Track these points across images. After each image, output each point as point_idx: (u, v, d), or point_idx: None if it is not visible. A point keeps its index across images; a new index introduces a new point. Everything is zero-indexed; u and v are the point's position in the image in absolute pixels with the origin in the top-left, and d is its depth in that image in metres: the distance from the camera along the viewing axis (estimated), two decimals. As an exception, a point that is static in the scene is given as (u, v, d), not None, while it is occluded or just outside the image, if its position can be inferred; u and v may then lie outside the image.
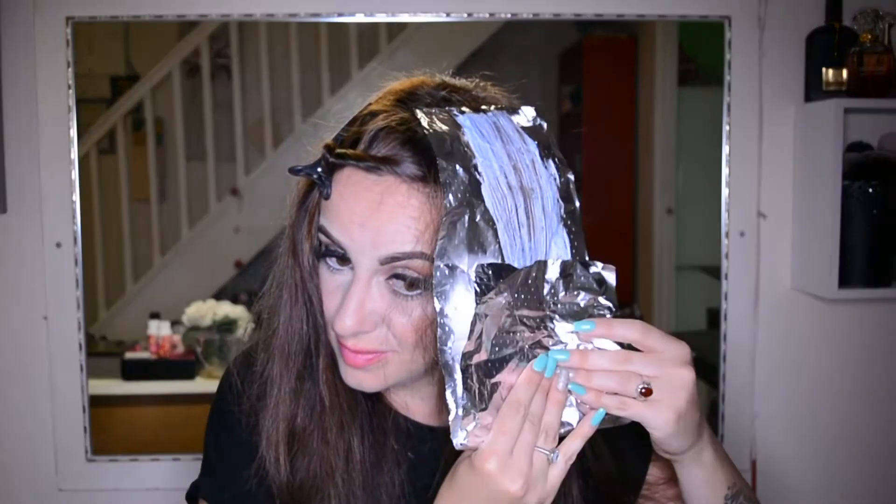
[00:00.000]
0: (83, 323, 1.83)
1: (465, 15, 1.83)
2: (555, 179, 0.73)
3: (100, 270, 2.45)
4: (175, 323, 2.24)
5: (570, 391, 0.71)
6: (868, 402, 1.97)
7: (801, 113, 1.88)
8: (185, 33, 2.59)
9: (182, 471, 1.86)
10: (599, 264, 0.72)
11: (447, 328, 0.66)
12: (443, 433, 0.78)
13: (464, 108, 0.74)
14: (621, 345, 0.72)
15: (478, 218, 0.67)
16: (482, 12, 1.83)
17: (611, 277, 0.72)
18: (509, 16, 1.84)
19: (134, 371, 2.18)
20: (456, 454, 0.72)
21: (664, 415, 0.71)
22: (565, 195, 0.73)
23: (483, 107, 0.75)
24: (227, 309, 2.24)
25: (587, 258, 0.73)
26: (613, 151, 2.47)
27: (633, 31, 2.42)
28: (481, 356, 0.68)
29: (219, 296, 2.40)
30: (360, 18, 1.85)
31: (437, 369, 0.74)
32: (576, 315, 0.71)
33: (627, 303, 2.31)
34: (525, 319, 0.69)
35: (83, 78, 1.89)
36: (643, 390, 0.70)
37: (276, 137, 2.67)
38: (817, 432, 1.97)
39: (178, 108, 2.62)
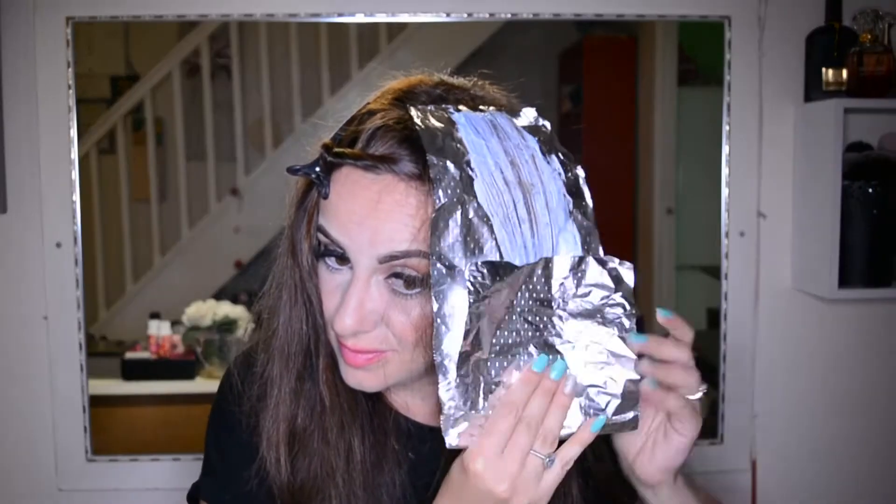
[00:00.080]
0: (83, 323, 1.83)
1: (465, 15, 1.83)
2: (560, 175, 0.72)
3: (100, 270, 2.45)
4: (175, 323, 2.24)
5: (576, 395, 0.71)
6: (868, 402, 1.97)
7: (801, 113, 1.88)
8: (185, 33, 2.59)
9: (182, 471, 1.86)
10: (616, 260, 0.70)
11: (443, 328, 0.66)
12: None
13: (460, 107, 0.74)
14: (632, 348, 0.72)
15: (471, 214, 0.67)
16: (482, 12, 1.83)
17: (628, 275, 0.70)
18: (509, 16, 1.84)
19: (134, 371, 2.18)
20: (456, 454, 0.72)
21: (698, 421, 0.75)
22: (574, 190, 0.72)
23: (482, 107, 0.75)
24: (227, 309, 2.24)
25: (602, 254, 0.72)
26: (613, 151, 2.47)
27: (633, 31, 2.42)
28: (477, 355, 0.67)
29: (219, 296, 2.40)
30: (360, 18, 1.85)
31: None
32: (586, 313, 0.70)
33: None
34: (528, 317, 0.69)
35: (83, 78, 1.89)
36: (705, 390, 0.73)
37: (276, 137, 2.67)
38: (817, 432, 1.97)
39: (178, 108, 2.61)
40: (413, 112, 0.71)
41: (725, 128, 1.88)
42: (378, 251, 0.72)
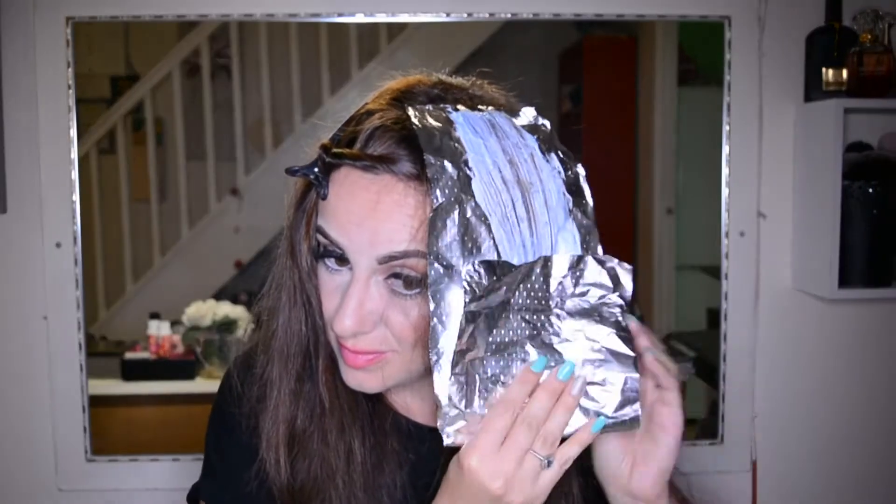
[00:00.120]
0: (83, 323, 1.83)
1: (465, 15, 1.83)
2: (559, 173, 0.72)
3: (100, 270, 2.45)
4: (175, 323, 2.24)
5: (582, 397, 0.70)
6: (868, 402, 1.97)
7: (801, 113, 1.88)
8: (185, 33, 2.59)
9: (182, 471, 1.86)
10: (615, 260, 0.70)
11: (439, 327, 0.66)
12: (443, 433, 0.78)
13: (459, 106, 0.74)
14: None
15: (469, 213, 0.66)
16: (482, 12, 1.83)
17: (626, 275, 0.70)
18: (509, 16, 1.84)
19: (134, 371, 2.17)
20: (455, 454, 0.72)
21: (680, 412, 0.75)
22: (574, 189, 0.72)
23: (480, 107, 0.75)
24: (226, 309, 2.23)
25: (601, 253, 0.72)
26: (613, 151, 2.47)
27: (633, 31, 2.42)
28: (473, 354, 0.67)
29: (219, 296, 2.40)
30: (360, 18, 1.85)
31: None
32: (584, 312, 0.70)
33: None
34: (526, 316, 0.69)
35: (83, 78, 1.88)
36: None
37: (276, 137, 2.67)
38: (817, 432, 1.97)
39: (178, 108, 2.61)
40: (411, 112, 0.71)
41: (725, 128, 1.88)
42: (377, 252, 0.72)
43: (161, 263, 2.64)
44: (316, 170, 0.75)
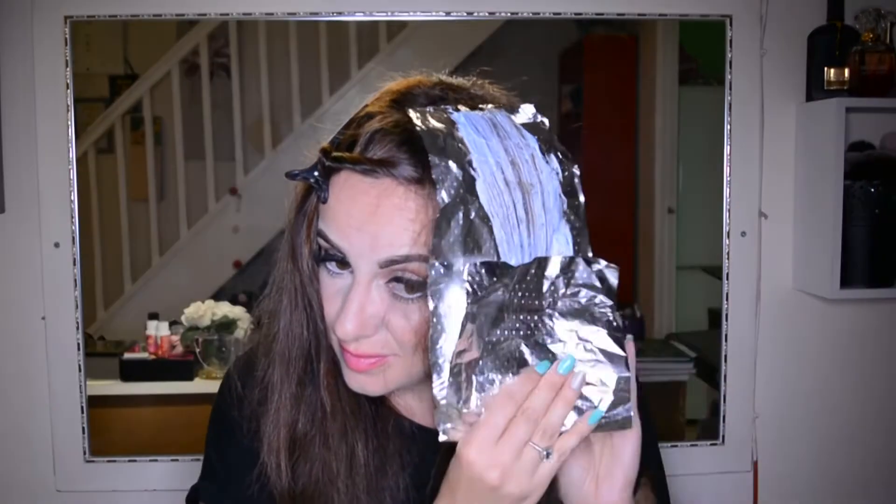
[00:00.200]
0: (81, 323, 1.83)
1: (465, 14, 1.82)
2: (557, 174, 0.72)
3: (98, 270, 2.44)
4: (174, 323, 2.23)
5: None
6: (870, 402, 1.97)
7: (803, 112, 1.87)
8: (184, 32, 2.58)
9: (181, 472, 1.85)
10: (602, 262, 0.71)
11: (440, 327, 0.66)
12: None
13: (459, 106, 0.73)
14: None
15: (472, 215, 0.66)
16: (482, 11, 1.82)
17: (613, 276, 0.71)
18: (509, 15, 1.83)
19: (132, 372, 2.17)
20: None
21: (639, 423, 0.74)
22: (569, 190, 0.72)
23: (481, 105, 0.75)
24: (225, 309, 2.23)
25: (591, 254, 0.72)
26: (614, 151, 2.46)
27: (633, 30, 2.41)
28: (473, 354, 0.67)
29: (218, 296, 2.39)
30: (359, 17, 1.84)
31: None
32: (576, 313, 0.70)
33: (628, 303, 2.30)
34: (521, 317, 0.69)
35: (81, 77, 1.88)
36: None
37: (276, 137, 2.66)
38: (818, 433, 1.97)
39: (177, 107, 2.60)
40: (412, 114, 0.70)
41: (727, 127, 1.87)
42: (378, 256, 0.72)
43: (160, 263, 2.63)
44: (316, 173, 0.74)
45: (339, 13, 1.83)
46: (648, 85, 2.41)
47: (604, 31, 2.43)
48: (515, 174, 0.69)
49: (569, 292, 0.70)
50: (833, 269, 1.76)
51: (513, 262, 0.68)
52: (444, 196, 0.66)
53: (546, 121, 0.74)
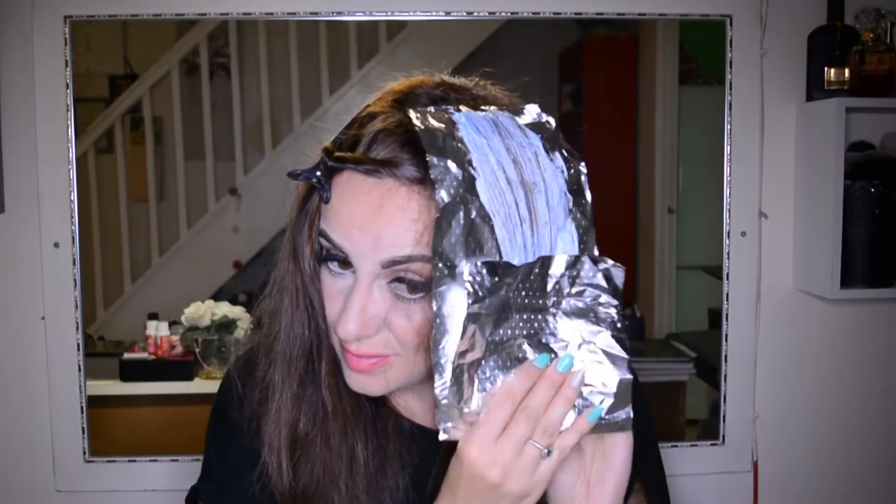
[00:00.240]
0: (81, 323, 1.82)
1: (465, 14, 1.82)
2: (562, 172, 0.71)
3: (98, 270, 2.44)
4: (173, 323, 2.23)
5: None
6: (870, 402, 1.97)
7: (803, 112, 1.87)
8: (184, 32, 2.58)
9: (180, 472, 1.85)
10: (609, 261, 0.70)
11: (443, 328, 0.66)
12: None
13: (461, 107, 0.73)
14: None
15: (473, 214, 0.66)
16: (482, 11, 1.82)
17: (619, 276, 0.70)
18: (509, 14, 1.83)
19: (132, 372, 2.16)
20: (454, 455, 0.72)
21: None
22: (575, 188, 0.71)
23: (483, 107, 0.74)
24: (225, 309, 2.22)
25: (597, 253, 0.72)
26: (614, 151, 2.46)
27: (634, 30, 2.41)
28: (475, 354, 0.67)
29: (217, 296, 2.39)
30: (359, 17, 1.84)
31: None
32: (580, 312, 0.70)
33: (628, 303, 2.30)
34: (524, 316, 0.68)
35: (81, 77, 1.88)
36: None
37: (276, 137, 2.66)
38: (819, 433, 1.97)
39: (177, 107, 2.60)
40: (412, 114, 0.70)
41: (727, 127, 1.87)
42: (381, 256, 0.71)
43: (159, 263, 2.63)
44: (318, 173, 0.74)
45: (339, 13, 1.83)
46: (648, 85, 2.41)
47: (604, 30, 2.43)
48: (517, 173, 0.69)
49: (574, 291, 0.69)
50: (833, 269, 1.75)
51: (516, 262, 0.68)
52: (443, 196, 0.66)
53: (552, 120, 0.74)
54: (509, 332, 0.68)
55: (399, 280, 0.73)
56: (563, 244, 0.70)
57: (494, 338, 0.68)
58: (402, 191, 0.71)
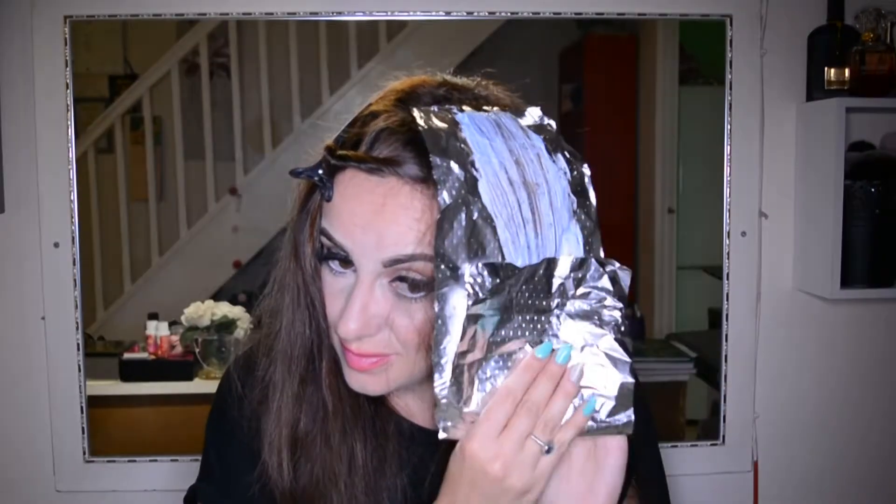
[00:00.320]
0: (81, 323, 1.82)
1: (465, 14, 1.82)
2: (565, 173, 0.71)
3: (98, 270, 2.44)
4: (173, 323, 2.23)
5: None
6: (870, 402, 1.97)
7: (803, 112, 1.87)
8: (184, 32, 2.58)
9: (180, 472, 1.85)
10: (616, 263, 0.70)
11: (444, 329, 0.66)
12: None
13: (464, 107, 0.73)
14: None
15: (475, 216, 0.66)
16: (482, 11, 1.82)
17: (625, 278, 0.70)
18: (509, 14, 1.83)
19: (132, 372, 2.16)
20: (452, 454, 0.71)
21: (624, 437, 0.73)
22: (579, 189, 0.71)
23: (485, 107, 0.74)
24: (225, 309, 2.22)
25: (602, 255, 0.71)
26: (614, 151, 2.46)
27: (634, 30, 2.41)
28: (475, 355, 0.67)
29: (217, 296, 2.39)
30: (359, 17, 1.84)
31: None
32: (584, 315, 0.70)
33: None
34: (527, 317, 0.68)
35: (81, 77, 1.88)
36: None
37: (276, 137, 2.66)
38: (819, 433, 1.97)
39: (177, 107, 2.60)
40: (416, 113, 0.70)
41: (727, 127, 1.87)
42: (383, 255, 0.71)
43: (159, 263, 2.63)
44: (320, 171, 0.74)
45: (339, 13, 1.82)
46: (648, 85, 2.41)
47: (604, 30, 2.43)
48: (520, 174, 0.69)
49: (579, 293, 0.69)
50: (833, 269, 1.75)
51: (519, 263, 0.68)
52: (445, 197, 0.65)
53: (553, 123, 0.74)
54: (511, 332, 0.68)
55: (401, 279, 0.73)
56: (567, 246, 0.70)
57: (496, 338, 0.68)
58: (404, 189, 0.71)
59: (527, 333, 0.69)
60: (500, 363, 0.68)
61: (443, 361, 0.66)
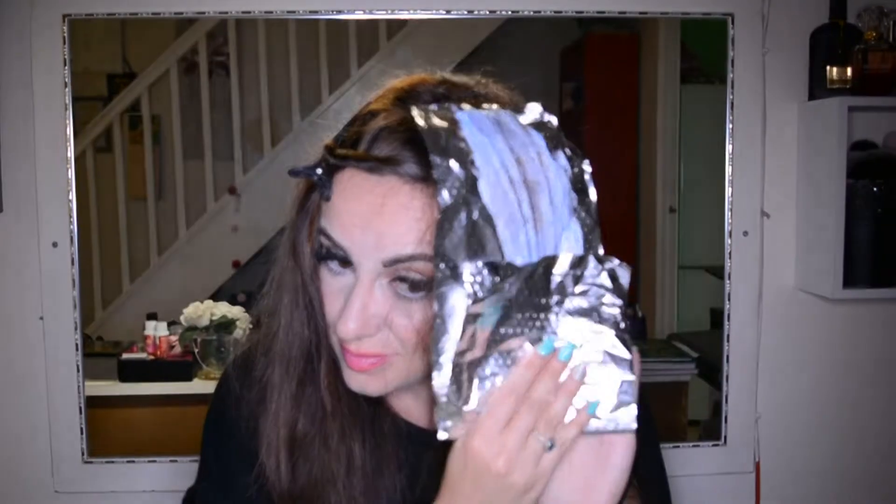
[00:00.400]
0: (79, 323, 1.82)
1: (466, 12, 1.81)
2: (566, 171, 0.71)
3: (96, 270, 2.43)
4: (172, 323, 2.22)
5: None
6: (872, 402, 1.96)
7: (805, 111, 1.86)
8: (183, 31, 2.57)
9: (179, 473, 1.84)
10: (616, 260, 0.69)
11: (443, 328, 0.65)
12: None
13: (463, 105, 0.72)
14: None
15: (475, 215, 0.65)
16: (482, 9, 1.81)
17: (625, 275, 0.69)
18: (510, 13, 1.82)
19: (131, 372, 2.15)
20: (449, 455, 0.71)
21: (633, 435, 0.71)
22: (580, 187, 0.71)
23: (485, 105, 0.74)
24: (224, 309, 2.21)
25: (602, 252, 0.71)
26: (615, 149, 2.45)
27: (635, 28, 2.40)
28: (475, 354, 0.67)
29: (216, 296, 2.38)
30: (359, 15, 1.83)
31: None
32: (583, 312, 0.69)
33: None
34: (526, 315, 0.68)
35: (79, 76, 1.87)
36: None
37: (275, 136, 2.65)
38: (821, 433, 1.96)
39: (176, 106, 2.60)
40: (415, 112, 0.69)
41: (729, 126, 1.86)
42: (383, 255, 0.71)
43: (158, 263, 2.62)
44: (319, 171, 0.74)
45: (339, 11, 1.82)
46: (650, 83, 2.40)
47: (605, 29, 2.42)
48: (520, 172, 0.68)
49: (578, 291, 0.69)
50: (835, 269, 1.75)
51: (518, 262, 0.67)
52: (445, 196, 0.65)
53: (554, 119, 0.73)
54: (511, 330, 0.68)
55: (401, 279, 0.72)
56: (567, 243, 0.70)
57: (495, 337, 0.67)
58: (404, 189, 0.70)
59: (526, 331, 0.68)
60: (501, 361, 0.68)
61: (442, 360, 0.66)
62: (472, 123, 0.69)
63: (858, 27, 1.80)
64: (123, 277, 2.58)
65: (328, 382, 0.82)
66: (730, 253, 1.88)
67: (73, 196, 1.80)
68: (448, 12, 1.81)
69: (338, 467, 0.82)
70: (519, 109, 0.74)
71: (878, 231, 1.79)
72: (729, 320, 1.90)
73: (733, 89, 1.86)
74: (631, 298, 0.71)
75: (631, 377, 0.70)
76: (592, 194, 0.71)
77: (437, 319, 0.65)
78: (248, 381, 0.87)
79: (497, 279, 0.66)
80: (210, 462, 0.91)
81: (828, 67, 1.79)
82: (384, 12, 1.83)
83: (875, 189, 1.78)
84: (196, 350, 2.17)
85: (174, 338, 2.20)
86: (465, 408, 0.67)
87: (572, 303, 0.69)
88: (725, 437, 1.92)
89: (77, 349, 1.82)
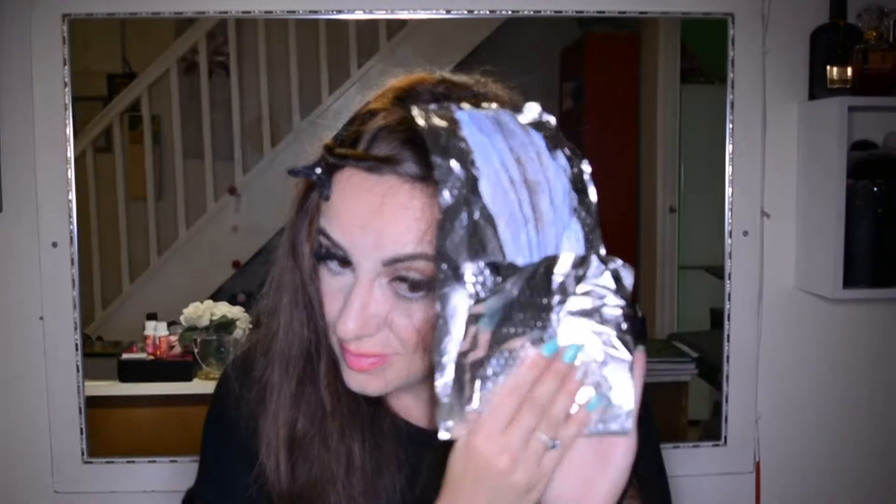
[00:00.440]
0: (79, 323, 1.82)
1: (466, 12, 1.81)
2: (565, 171, 0.71)
3: (96, 270, 2.43)
4: (172, 323, 2.22)
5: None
6: (872, 403, 1.96)
7: (805, 111, 1.86)
8: (183, 31, 2.57)
9: (179, 473, 1.84)
10: (619, 260, 0.69)
11: (445, 328, 0.65)
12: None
13: (463, 104, 0.72)
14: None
15: (476, 215, 0.65)
16: (482, 9, 1.81)
17: (628, 276, 0.69)
18: (510, 13, 1.82)
19: (130, 372, 2.15)
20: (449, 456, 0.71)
21: (635, 435, 0.71)
22: (579, 187, 0.71)
23: (484, 104, 0.74)
24: (224, 309, 2.21)
25: (603, 252, 0.71)
26: (615, 149, 2.45)
27: (635, 28, 2.40)
28: (477, 354, 0.66)
29: (216, 296, 2.38)
30: (359, 15, 1.83)
31: None
32: (585, 313, 0.69)
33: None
34: (527, 315, 0.68)
35: (79, 75, 1.87)
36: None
37: (275, 136, 2.65)
38: (821, 433, 1.96)
39: (176, 105, 2.60)
40: (415, 112, 0.69)
41: (729, 126, 1.86)
42: (382, 254, 0.71)
43: (158, 263, 2.62)
44: (318, 170, 0.73)
45: (339, 11, 1.82)
46: (650, 83, 2.40)
47: (605, 29, 2.42)
48: (520, 172, 0.68)
49: (580, 291, 0.69)
50: (836, 269, 1.75)
51: (520, 262, 0.67)
52: (446, 196, 0.65)
53: (552, 119, 0.73)
54: (512, 330, 0.68)
55: (401, 279, 0.72)
56: (568, 243, 0.70)
57: (497, 337, 0.67)
58: (404, 188, 0.70)
59: (528, 331, 0.68)
60: (503, 361, 0.68)
61: (443, 360, 0.66)
62: (472, 123, 0.69)
63: (858, 27, 1.80)
64: (123, 277, 2.58)
65: (328, 382, 0.82)
66: (730, 253, 1.88)
67: (72, 196, 1.80)
68: (448, 12, 1.81)
69: (337, 467, 0.82)
70: (518, 109, 0.73)
71: (878, 231, 1.79)
72: (729, 320, 1.89)
73: (733, 89, 1.85)
74: (632, 298, 0.71)
75: (631, 378, 0.70)
76: (592, 194, 0.71)
77: (439, 320, 0.65)
78: (248, 381, 0.86)
79: (499, 279, 0.66)
80: (210, 462, 0.91)
81: (828, 67, 1.79)
82: (384, 12, 1.82)
83: (875, 189, 1.78)
84: (196, 350, 2.16)
85: (174, 338, 2.20)
86: (468, 407, 0.67)
87: (574, 303, 0.69)
88: (725, 438, 1.92)
89: (77, 349, 1.82)
